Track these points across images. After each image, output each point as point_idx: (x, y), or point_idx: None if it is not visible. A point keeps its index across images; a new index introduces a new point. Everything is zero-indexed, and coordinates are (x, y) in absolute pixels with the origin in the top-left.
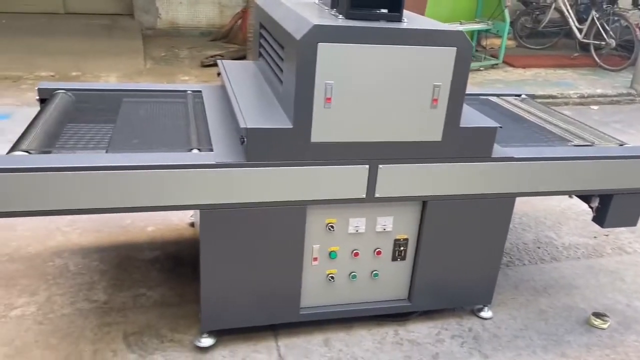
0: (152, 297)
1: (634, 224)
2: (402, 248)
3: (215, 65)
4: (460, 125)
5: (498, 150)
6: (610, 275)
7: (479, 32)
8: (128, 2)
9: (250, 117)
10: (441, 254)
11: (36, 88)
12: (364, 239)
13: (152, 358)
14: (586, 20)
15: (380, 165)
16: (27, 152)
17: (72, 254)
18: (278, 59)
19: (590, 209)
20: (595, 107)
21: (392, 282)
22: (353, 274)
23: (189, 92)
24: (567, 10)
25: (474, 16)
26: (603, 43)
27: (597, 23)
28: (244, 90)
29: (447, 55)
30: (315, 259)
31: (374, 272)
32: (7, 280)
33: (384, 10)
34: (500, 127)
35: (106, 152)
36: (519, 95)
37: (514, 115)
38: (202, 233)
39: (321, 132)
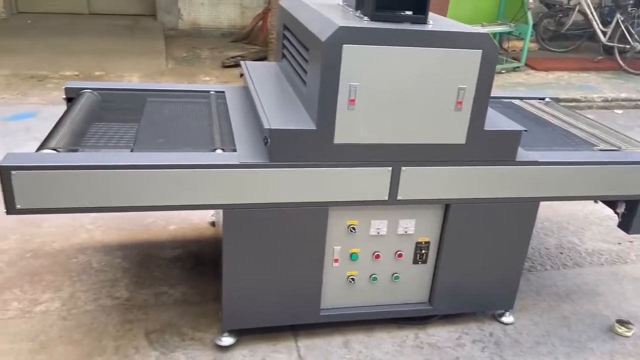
0: (173, 295)
1: None
2: (423, 251)
3: (236, 66)
4: (485, 129)
5: (522, 154)
6: (634, 282)
7: (501, 34)
8: (151, 2)
9: (274, 118)
10: (463, 257)
11: (63, 87)
12: (385, 241)
13: (173, 356)
14: (610, 23)
15: (403, 168)
16: (55, 150)
17: (95, 251)
18: (302, 61)
19: (615, 215)
20: (620, 111)
21: (413, 285)
22: (374, 276)
23: (212, 92)
24: (591, 13)
25: (495, 18)
26: (628, 46)
27: (622, 26)
28: (268, 91)
29: (472, 57)
30: (336, 260)
31: (395, 274)
32: (32, 276)
33: (409, 12)
34: (526, 130)
35: (131, 151)
36: (542, 99)
37: (537, 119)
38: (225, 232)
39: (344, 133)
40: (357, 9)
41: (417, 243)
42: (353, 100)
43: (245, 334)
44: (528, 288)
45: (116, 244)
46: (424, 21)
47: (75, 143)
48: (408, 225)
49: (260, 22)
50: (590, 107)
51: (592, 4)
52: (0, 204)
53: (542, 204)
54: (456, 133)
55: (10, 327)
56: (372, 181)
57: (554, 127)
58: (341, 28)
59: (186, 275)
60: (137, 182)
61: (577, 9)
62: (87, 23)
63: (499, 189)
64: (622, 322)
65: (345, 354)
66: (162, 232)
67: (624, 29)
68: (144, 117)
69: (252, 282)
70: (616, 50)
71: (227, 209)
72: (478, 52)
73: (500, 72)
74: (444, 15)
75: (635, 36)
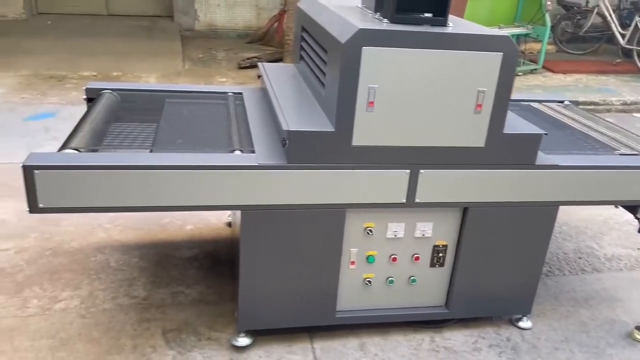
0: (190, 294)
1: None
2: (440, 254)
3: (252, 67)
4: (504, 132)
5: (542, 157)
6: None
7: (518, 36)
8: (168, 4)
9: (292, 120)
10: (480, 261)
11: (83, 88)
12: (402, 244)
13: (190, 355)
14: (629, 25)
15: (422, 170)
16: (76, 150)
17: (113, 250)
18: (321, 63)
19: (636, 220)
20: (638, 115)
21: (430, 288)
22: (390, 279)
23: (229, 93)
24: (610, 15)
25: (513, 20)
26: None
27: None
28: (286, 93)
29: (492, 60)
30: (353, 262)
31: (412, 277)
32: (52, 274)
33: (429, 15)
34: (546, 134)
35: (151, 151)
36: (561, 102)
37: (557, 122)
38: (243, 233)
39: (363, 135)
40: (376, 11)
41: (435, 246)
42: (372, 103)
43: (261, 334)
44: (546, 293)
45: (133, 244)
46: (444, 23)
47: (96, 143)
48: (425, 228)
49: (276, 24)
50: (608, 111)
51: (610, 6)
52: (22, 202)
53: (560, 207)
54: (475, 136)
55: (30, 325)
56: (390, 183)
57: (574, 131)
58: (361, 30)
59: (203, 275)
60: (157, 182)
61: (595, 11)
62: (105, 24)
63: (518, 193)
64: None
65: (361, 357)
66: (179, 232)
67: None
68: (162, 118)
69: (268, 283)
70: (635, 53)
71: (245, 210)
72: (499, 55)
73: (517, 75)
74: (461, 16)
75: None
